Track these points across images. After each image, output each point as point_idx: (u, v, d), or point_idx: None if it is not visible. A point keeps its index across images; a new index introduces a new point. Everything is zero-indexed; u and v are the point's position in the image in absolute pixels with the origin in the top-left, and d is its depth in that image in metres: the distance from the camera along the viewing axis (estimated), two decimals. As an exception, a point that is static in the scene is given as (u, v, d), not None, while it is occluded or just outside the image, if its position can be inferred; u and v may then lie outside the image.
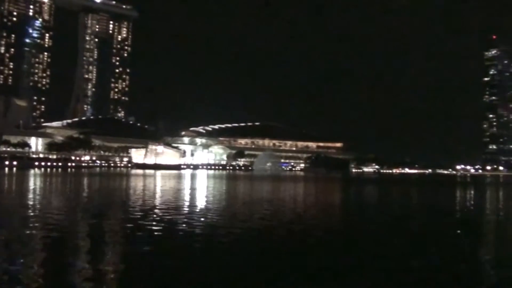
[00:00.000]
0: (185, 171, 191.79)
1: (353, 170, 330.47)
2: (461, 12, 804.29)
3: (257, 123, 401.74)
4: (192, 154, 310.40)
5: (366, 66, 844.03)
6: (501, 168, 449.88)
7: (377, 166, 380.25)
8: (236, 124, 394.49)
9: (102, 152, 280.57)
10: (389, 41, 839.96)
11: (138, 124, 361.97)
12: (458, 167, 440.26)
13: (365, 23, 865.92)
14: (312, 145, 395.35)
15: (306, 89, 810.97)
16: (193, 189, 61.15)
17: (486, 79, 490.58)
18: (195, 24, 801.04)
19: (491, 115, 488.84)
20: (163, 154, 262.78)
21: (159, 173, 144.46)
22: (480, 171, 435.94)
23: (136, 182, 76.79)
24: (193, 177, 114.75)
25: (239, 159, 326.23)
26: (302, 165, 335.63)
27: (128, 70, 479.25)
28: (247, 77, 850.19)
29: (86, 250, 17.33)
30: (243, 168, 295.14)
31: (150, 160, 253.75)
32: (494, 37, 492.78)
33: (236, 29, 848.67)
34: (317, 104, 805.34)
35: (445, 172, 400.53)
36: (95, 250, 17.37)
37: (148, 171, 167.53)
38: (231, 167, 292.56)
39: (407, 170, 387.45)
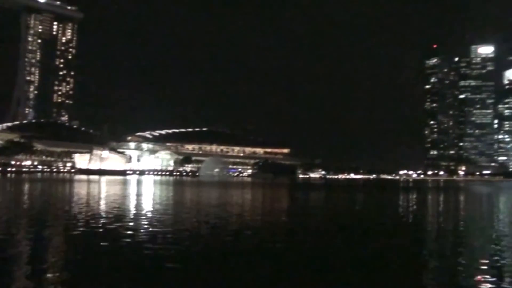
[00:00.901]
0: (131, 177, 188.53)
1: (300, 176, 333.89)
2: (403, 21, 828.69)
3: (204, 129, 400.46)
4: (138, 160, 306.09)
5: (311, 73, 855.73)
6: (441, 173, 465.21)
7: (323, 172, 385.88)
8: (183, 130, 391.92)
9: (44, 157, 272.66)
10: (335, 48, 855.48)
11: (83, 129, 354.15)
12: (401, 172, 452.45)
13: (312, 31, 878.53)
14: (260, 151, 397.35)
15: (254, 95, 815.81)
16: (138, 195, 60.07)
17: (427, 86, 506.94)
18: (143, 27, 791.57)
19: (432, 122, 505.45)
20: (108, 160, 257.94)
21: (104, 179, 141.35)
22: (422, 176, 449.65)
23: (79, 188, 74.72)
24: (139, 183, 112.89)
25: (186, 165, 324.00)
26: (250, 171, 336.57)
27: (72, 73, 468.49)
28: (195, 81, 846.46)
29: (16, 262, 16.56)
30: (190, 174, 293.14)
31: (95, 166, 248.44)
32: (435, 46, 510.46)
33: (185, 32, 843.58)
34: (265, 110, 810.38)
35: (389, 177, 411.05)
36: (22, 263, 16.62)
37: (92, 177, 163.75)
38: (178, 173, 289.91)
39: (352, 176, 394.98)
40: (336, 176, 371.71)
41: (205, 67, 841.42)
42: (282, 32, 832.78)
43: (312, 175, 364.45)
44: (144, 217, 31.40)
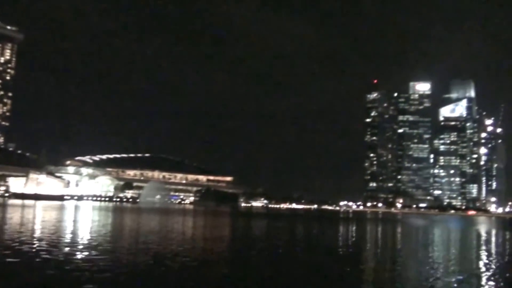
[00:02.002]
0: (68, 202, 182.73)
1: (242, 204, 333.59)
2: (347, 56, 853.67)
3: (147, 155, 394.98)
4: (77, 185, 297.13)
5: (255, 102, 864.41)
6: (380, 205, 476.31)
7: (265, 201, 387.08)
8: (125, 155, 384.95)
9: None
10: (279, 82, 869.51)
11: (19, 152, 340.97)
12: (341, 203, 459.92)
13: (254, 60, 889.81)
14: (203, 178, 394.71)
15: (198, 122, 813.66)
16: (74, 221, 58.36)
17: (367, 120, 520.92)
18: (85, 48, 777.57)
19: (371, 155, 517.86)
20: (45, 184, 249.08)
21: (39, 204, 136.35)
22: (361, 207, 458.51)
23: (13, 214, 71.77)
24: (76, 208, 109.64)
25: (127, 191, 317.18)
26: (192, 198, 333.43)
27: (10, 94, 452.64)
28: (138, 107, 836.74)
29: None
30: (131, 200, 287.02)
31: (31, 190, 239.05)
32: (375, 81, 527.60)
33: (129, 55, 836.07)
34: (208, 138, 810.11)
35: (330, 208, 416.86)
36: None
37: (27, 202, 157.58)
38: (118, 199, 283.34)
39: (294, 205, 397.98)
40: (278, 206, 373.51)
41: (148, 93, 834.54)
42: (223, 59, 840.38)
43: (255, 203, 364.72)
44: (72, 245, 30.50)
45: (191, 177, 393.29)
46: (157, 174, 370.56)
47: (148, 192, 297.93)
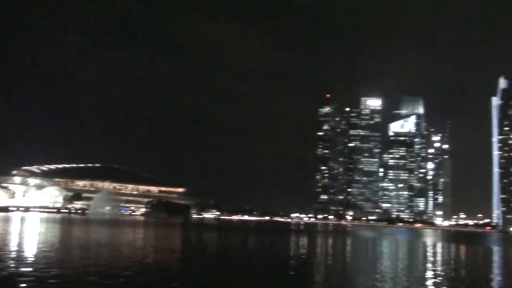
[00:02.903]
0: (14, 214, 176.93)
1: (194, 216, 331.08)
2: (299, 69, 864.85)
3: (97, 165, 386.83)
4: (23, 195, 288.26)
5: (207, 113, 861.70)
6: (330, 217, 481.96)
7: (217, 212, 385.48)
8: (74, 165, 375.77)
9: None
10: (233, 93, 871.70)
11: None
12: (293, 215, 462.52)
13: (208, 73, 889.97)
14: (154, 189, 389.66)
15: (149, 132, 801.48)
16: (19, 234, 56.63)
17: (320, 133, 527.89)
18: (31, 54, 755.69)
19: (323, 167, 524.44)
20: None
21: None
22: (312, 219, 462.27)
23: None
24: (22, 220, 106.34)
25: (76, 202, 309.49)
26: (143, 209, 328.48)
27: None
28: (88, 116, 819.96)
29: None
30: (79, 211, 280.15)
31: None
32: (328, 95, 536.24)
33: (77, 64, 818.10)
34: (160, 148, 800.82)
35: (281, 219, 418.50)
36: None
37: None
38: (66, 210, 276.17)
39: (246, 217, 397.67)
40: (230, 217, 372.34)
41: (98, 102, 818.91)
42: (177, 68, 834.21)
43: (206, 215, 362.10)
44: (14, 259, 29.66)
45: (142, 188, 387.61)
46: (107, 184, 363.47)
47: (98, 203, 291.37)
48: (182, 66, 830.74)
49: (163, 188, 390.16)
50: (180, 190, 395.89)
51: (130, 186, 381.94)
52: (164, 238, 64.86)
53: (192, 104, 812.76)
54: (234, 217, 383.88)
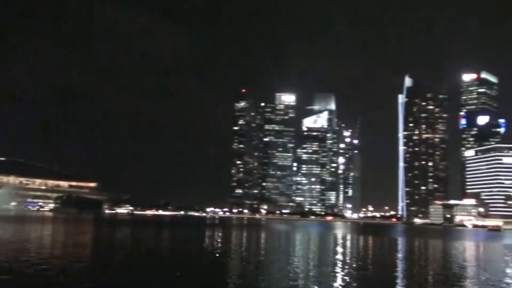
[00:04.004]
0: None
1: (107, 211, 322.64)
2: (216, 63, 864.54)
3: (2, 159, 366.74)
4: None
5: (121, 105, 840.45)
6: (245, 211, 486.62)
7: (131, 208, 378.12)
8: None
9: None
10: (148, 85, 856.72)
11: None
12: (208, 209, 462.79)
13: (119, 58, 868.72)
14: (64, 184, 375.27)
15: (58, 125, 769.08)
16: None
17: (235, 128, 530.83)
18: None
19: (238, 162, 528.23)
20: None
21: None
22: (227, 213, 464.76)
23: None
24: None
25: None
26: (52, 205, 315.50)
27: None
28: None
29: None
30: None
31: None
32: (244, 90, 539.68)
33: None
34: (71, 142, 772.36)
35: (196, 214, 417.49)
36: None
37: None
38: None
39: (160, 212, 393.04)
40: (144, 212, 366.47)
41: (8, 93, 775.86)
42: (87, 58, 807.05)
43: (120, 210, 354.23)
44: None
45: (51, 182, 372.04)
46: (13, 179, 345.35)
47: (2, 198, 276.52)
48: (94, 56, 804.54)
49: (74, 183, 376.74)
50: (92, 184, 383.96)
51: (38, 181, 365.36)
52: (70, 234, 62.66)
53: (103, 95, 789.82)
54: (149, 212, 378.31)
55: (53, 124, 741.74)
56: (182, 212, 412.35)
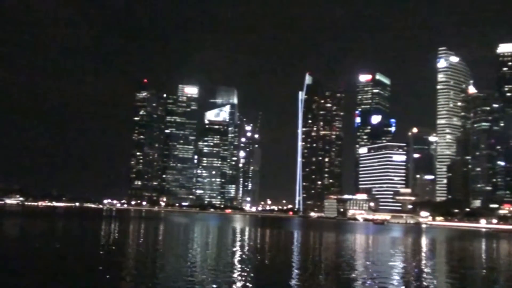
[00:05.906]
0: None
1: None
2: (118, 52, 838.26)
3: None
4: None
5: (16, 94, 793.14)
6: (144, 203, 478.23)
7: (21, 198, 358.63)
8: None
9: None
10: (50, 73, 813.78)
11: None
12: (105, 201, 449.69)
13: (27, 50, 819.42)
14: None
15: None
16: None
17: (136, 118, 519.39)
18: None
19: (138, 153, 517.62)
20: None
21: None
22: (125, 205, 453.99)
23: None
24: None
25: None
26: None
27: None
28: None
29: None
30: None
31: None
32: (145, 80, 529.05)
33: None
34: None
35: (93, 206, 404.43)
36: None
37: None
38: None
39: (54, 203, 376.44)
40: (36, 203, 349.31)
41: None
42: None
43: (8, 201, 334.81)
44: None
45: None
46: None
47: None
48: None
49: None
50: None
51: None
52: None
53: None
54: (41, 203, 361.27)
55: None
56: (77, 204, 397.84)
